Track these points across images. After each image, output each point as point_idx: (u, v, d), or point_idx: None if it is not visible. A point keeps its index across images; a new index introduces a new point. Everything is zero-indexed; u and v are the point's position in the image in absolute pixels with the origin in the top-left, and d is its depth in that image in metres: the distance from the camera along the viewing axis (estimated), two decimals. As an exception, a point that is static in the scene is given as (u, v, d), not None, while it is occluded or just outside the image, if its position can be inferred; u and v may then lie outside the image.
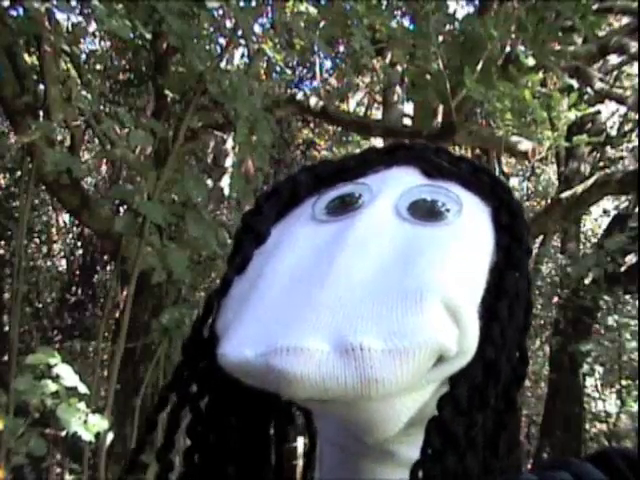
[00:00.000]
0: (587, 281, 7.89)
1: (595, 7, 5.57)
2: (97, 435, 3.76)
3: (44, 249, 6.43)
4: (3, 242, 5.72)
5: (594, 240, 9.78)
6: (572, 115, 5.27)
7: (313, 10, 4.99)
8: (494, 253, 0.70)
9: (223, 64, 4.52)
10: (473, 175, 0.77)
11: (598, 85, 6.68)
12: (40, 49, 3.95)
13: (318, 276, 0.64)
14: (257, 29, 5.02)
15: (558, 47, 5.72)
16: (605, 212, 9.15)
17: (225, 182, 5.60)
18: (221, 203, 5.25)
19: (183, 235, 4.26)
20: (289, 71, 5.85)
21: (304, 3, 4.84)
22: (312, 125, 6.70)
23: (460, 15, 6.10)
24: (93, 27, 4.92)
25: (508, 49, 5.34)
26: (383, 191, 0.73)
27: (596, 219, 10.22)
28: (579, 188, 6.20)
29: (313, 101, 5.54)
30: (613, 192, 6.53)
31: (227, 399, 0.73)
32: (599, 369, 7.96)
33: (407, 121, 6.83)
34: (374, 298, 0.61)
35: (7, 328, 4.62)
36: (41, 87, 3.97)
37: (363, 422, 0.63)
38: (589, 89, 6.64)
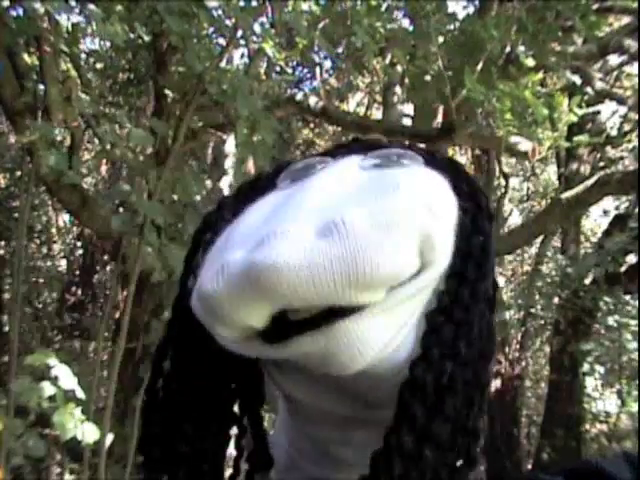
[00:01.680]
0: (587, 281, 7.89)
1: (595, 7, 5.62)
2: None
3: (44, 249, 6.41)
4: (3, 242, 5.70)
5: (594, 240, 9.77)
6: (573, 116, 5.25)
7: (315, 8, 4.97)
8: (457, 214, 0.69)
9: (223, 64, 4.50)
10: (427, 155, 0.77)
11: (598, 85, 6.75)
12: (40, 49, 3.95)
13: (291, 201, 0.64)
14: (257, 29, 5.00)
15: (558, 47, 5.73)
16: (605, 212, 9.11)
17: (225, 182, 5.59)
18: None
19: (183, 235, 4.24)
20: (289, 71, 5.84)
21: (306, 2, 4.81)
22: (312, 125, 6.68)
23: (460, 15, 6.09)
24: (93, 27, 4.90)
25: (508, 49, 5.35)
26: (345, 159, 0.74)
27: (596, 219, 10.21)
28: (579, 188, 6.22)
29: (313, 101, 5.55)
30: (613, 192, 6.56)
31: (191, 363, 0.72)
32: (599, 369, 7.95)
33: (407, 121, 6.82)
34: (354, 193, 0.62)
35: (7, 328, 4.60)
36: (41, 87, 3.96)
37: (342, 347, 0.59)
38: (589, 89, 6.61)
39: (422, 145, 5.49)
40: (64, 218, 6.63)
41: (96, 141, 4.97)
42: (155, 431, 0.74)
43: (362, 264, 0.54)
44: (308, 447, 0.77)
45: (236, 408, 0.76)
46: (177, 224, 4.24)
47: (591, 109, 6.49)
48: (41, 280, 6.07)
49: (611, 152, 8.73)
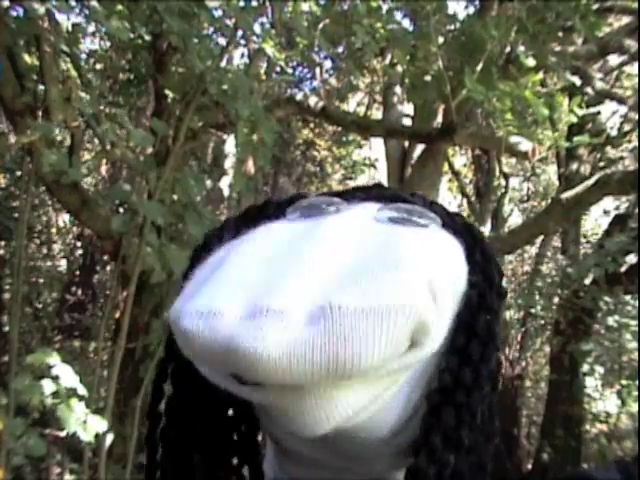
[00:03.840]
0: (587, 281, 7.88)
1: (595, 7, 5.61)
2: (97, 435, 3.74)
3: (44, 249, 6.40)
4: (3, 242, 5.68)
5: (594, 240, 9.75)
6: (573, 116, 5.22)
7: (315, 9, 4.97)
8: (466, 288, 0.68)
9: (223, 64, 4.49)
10: (446, 214, 0.76)
11: (598, 85, 6.82)
12: (40, 49, 3.94)
13: (293, 254, 0.61)
14: (257, 29, 5.00)
15: (558, 47, 5.77)
16: (605, 212, 9.08)
17: (225, 182, 5.58)
18: (221, 203, 5.23)
19: (183, 235, 4.23)
20: (289, 71, 5.83)
21: (306, 2, 4.80)
22: (312, 125, 6.68)
23: (460, 16, 6.07)
24: (93, 27, 4.90)
25: (508, 49, 5.40)
26: (360, 206, 0.72)
27: (596, 219, 10.19)
28: (579, 188, 6.19)
29: (313, 101, 5.54)
30: (613, 192, 6.47)
31: (187, 395, 0.72)
32: (599, 369, 7.92)
33: (407, 121, 6.81)
34: (354, 264, 0.58)
35: (7, 328, 4.59)
36: (41, 87, 3.95)
37: (308, 409, 0.58)
38: (589, 89, 6.63)
39: (422, 143, 5.48)
40: (64, 218, 6.62)
41: (96, 141, 4.96)
42: (163, 457, 0.74)
43: (343, 354, 0.52)
44: (288, 463, 0.77)
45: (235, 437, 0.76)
46: (177, 224, 4.23)
47: (591, 109, 6.54)
48: (41, 280, 6.05)
49: (611, 152, 8.72)
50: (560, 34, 5.84)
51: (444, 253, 0.64)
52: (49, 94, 3.96)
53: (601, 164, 8.45)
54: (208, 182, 5.44)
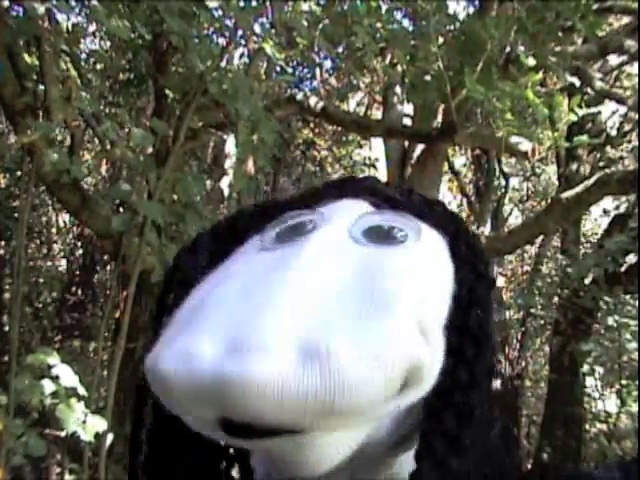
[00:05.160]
0: (587, 281, 7.86)
1: (595, 7, 5.58)
2: (97, 435, 3.73)
3: (44, 249, 6.37)
4: (3, 242, 5.67)
5: (594, 240, 9.72)
6: (573, 116, 5.18)
7: (316, 8, 4.94)
8: (454, 286, 0.67)
9: (223, 64, 4.48)
10: (426, 206, 0.74)
11: (598, 85, 6.75)
12: (40, 49, 3.94)
13: (271, 287, 0.58)
14: (257, 28, 4.98)
15: (558, 47, 5.75)
16: (605, 212, 9.05)
17: (225, 182, 5.57)
18: (221, 203, 5.22)
19: (183, 235, 4.22)
20: (289, 71, 5.80)
21: (306, 2, 4.78)
22: (312, 125, 6.65)
23: (461, 16, 6.23)
24: (93, 27, 4.89)
25: (508, 49, 5.38)
26: (334, 218, 0.69)
27: (596, 219, 10.16)
28: (579, 188, 6.19)
29: (313, 101, 5.52)
30: (613, 192, 6.50)
31: (168, 438, 0.69)
32: (599, 369, 7.92)
33: (407, 121, 6.79)
34: (339, 303, 0.56)
35: (7, 328, 4.59)
36: (41, 87, 3.95)
37: (305, 456, 0.57)
38: (589, 89, 6.62)
39: (421, 143, 5.44)
40: (64, 218, 6.59)
41: (96, 141, 4.96)
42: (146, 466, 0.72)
43: (339, 400, 0.51)
44: None
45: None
46: (177, 224, 4.22)
47: (591, 109, 6.39)
48: (41, 280, 6.03)
49: (611, 152, 8.70)
50: (560, 34, 5.79)
51: (427, 274, 0.63)
52: (49, 94, 3.95)
53: (601, 164, 8.42)
54: (208, 182, 5.43)
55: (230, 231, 0.75)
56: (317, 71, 5.87)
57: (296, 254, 0.62)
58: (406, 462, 0.66)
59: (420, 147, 6.49)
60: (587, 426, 9.16)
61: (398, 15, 5.82)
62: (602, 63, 7.68)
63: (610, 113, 8.61)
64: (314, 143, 6.63)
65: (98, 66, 5.42)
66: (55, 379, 3.68)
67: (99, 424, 3.75)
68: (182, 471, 0.71)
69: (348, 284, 0.58)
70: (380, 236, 0.64)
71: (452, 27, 5.80)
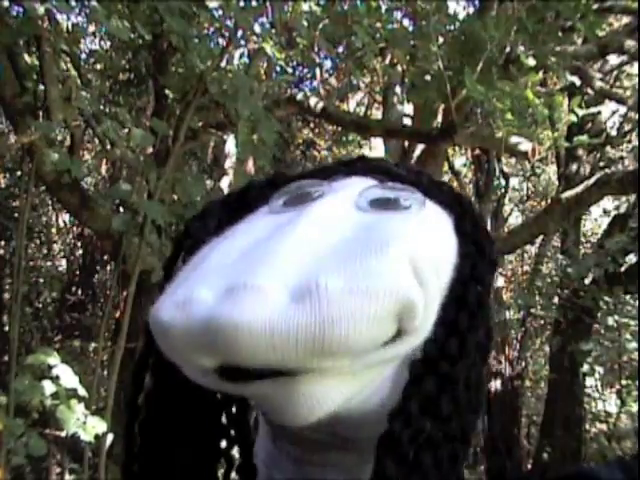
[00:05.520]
0: (587, 281, 7.83)
1: (595, 7, 5.52)
2: (97, 436, 3.74)
3: (44, 249, 6.35)
4: (3, 242, 5.65)
5: (594, 240, 9.68)
6: (573, 116, 5.20)
7: (316, 8, 4.92)
8: (457, 259, 0.67)
9: (223, 64, 4.46)
10: (433, 185, 0.74)
11: (598, 85, 6.68)
12: (40, 49, 3.93)
13: (273, 241, 0.60)
14: (257, 28, 4.96)
15: (558, 47, 5.67)
16: (605, 212, 9.04)
17: (225, 182, 5.55)
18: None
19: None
20: (289, 71, 5.77)
21: (306, 2, 4.76)
22: (312, 125, 6.61)
23: (460, 16, 6.08)
24: (93, 27, 4.88)
25: (508, 49, 5.31)
26: (341, 189, 0.70)
27: (596, 219, 10.12)
28: (579, 188, 6.17)
29: (313, 101, 5.50)
30: (613, 192, 6.47)
31: (169, 386, 0.69)
32: (599, 369, 7.91)
33: (407, 121, 6.76)
34: (337, 248, 0.57)
35: (7, 328, 4.58)
36: (41, 87, 3.94)
37: (295, 402, 0.56)
38: (589, 89, 6.59)
39: (422, 144, 5.42)
40: (64, 218, 6.56)
41: (96, 141, 4.94)
42: (142, 450, 0.72)
43: (330, 335, 0.51)
44: (285, 465, 0.74)
45: (224, 419, 0.74)
46: (178, 224, 4.20)
47: (591, 109, 6.40)
48: (41, 280, 6.00)
49: (611, 152, 8.66)
50: (560, 34, 5.69)
51: (428, 234, 0.63)
52: (49, 94, 3.94)
53: (601, 164, 8.39)
54: (208, 182, 5.41)
55: (240, 200, 0.76)
56: (317, 71, 5.84)
57: (299, 215, 0.64)
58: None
59: (420, 147, 6.46)
60: (587, 426, 9.15)
61: (398, 15, 5.76)
62: (602, 63, 7.67)
63: (610, 113, 8.58)
64: (314, 143, 6.59)
65: (98, 66, 5.40)
66: (55, 379, 3.67)
67: (99, 425, 3.75)
68: (180, 444, 0.71)
69: (349, 238, 0.59)
70: (384, 205, 0.65)
71: (452, 27, 5.71)
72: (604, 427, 8.55)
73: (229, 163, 5.55)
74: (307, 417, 0.57)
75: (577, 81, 6.00)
